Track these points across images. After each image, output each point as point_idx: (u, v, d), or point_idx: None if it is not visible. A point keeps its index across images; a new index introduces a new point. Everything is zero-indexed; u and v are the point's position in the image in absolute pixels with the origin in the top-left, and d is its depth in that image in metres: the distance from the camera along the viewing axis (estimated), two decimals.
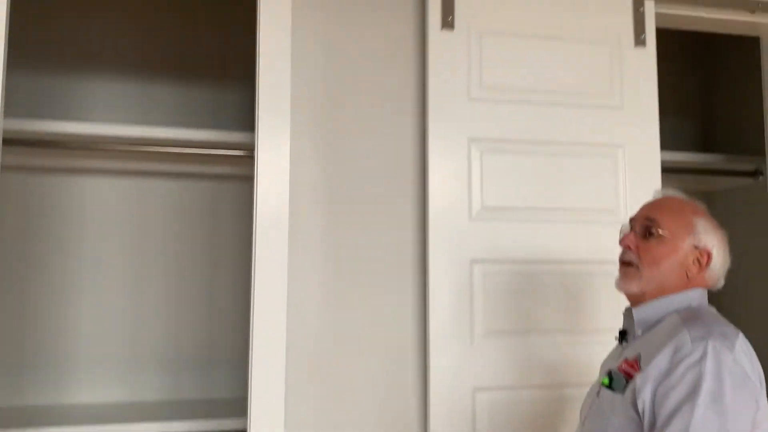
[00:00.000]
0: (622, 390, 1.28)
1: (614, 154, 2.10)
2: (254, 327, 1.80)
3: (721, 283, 1.40)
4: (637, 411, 1.23)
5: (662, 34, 2.37)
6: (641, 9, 2.15)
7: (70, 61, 2.50)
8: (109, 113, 2.50)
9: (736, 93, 2.93)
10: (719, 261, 1.38)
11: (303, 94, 1.97)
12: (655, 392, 1.21)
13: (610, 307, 2.00)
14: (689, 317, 1.30)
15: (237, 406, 2.23)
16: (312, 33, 2.00)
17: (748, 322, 2.57)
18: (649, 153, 2.12)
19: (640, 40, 2.14)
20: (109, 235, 2.47)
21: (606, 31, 2.13)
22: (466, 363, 1.93)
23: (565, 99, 2.08)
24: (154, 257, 2.50)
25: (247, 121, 2.37)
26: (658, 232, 1.35)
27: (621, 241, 1.42)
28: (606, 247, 1.99)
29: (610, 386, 1.32)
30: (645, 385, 1.23)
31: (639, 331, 1.37)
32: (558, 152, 2.06)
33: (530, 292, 2.00)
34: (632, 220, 1.43)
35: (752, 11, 2.29)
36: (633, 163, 2.10)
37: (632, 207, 2.01)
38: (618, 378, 1.30)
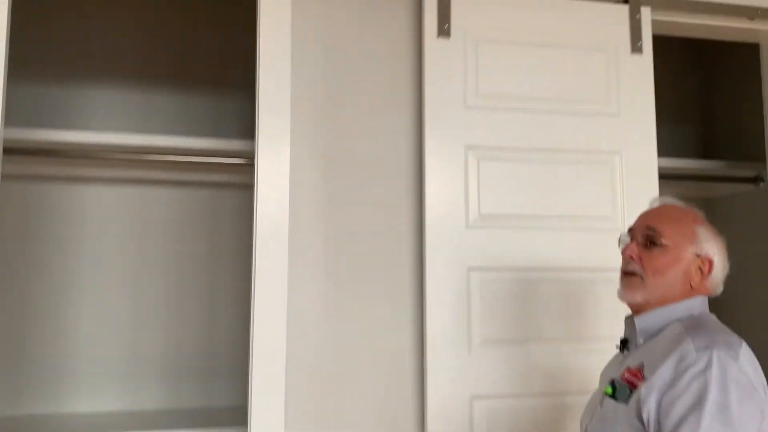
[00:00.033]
0: (626, 400, 1.27)
1: (611, 161, 2.10)
2: (254, 335, 1.80)
3: (720, 289, 1.40)
4: (641, 421, 1.22)
5: (662, 38, 2.37)
6: (637, 16, 2.15)
7: (70, 70, 2.51)
8: (109, 122, 2.51)
9: (737, 98, 2.92)
10: (719, 268, 1.37)
11: (302, 103, 1.97)
12: (660, 402, 1.21)
13: (608, 315, 2.00)
14: (692, 326, 1.29)
15: (237, 414, 2.22)
16: (311, 43, 2.01)
17: (750, 329, 2.57)
18: (647, 160, 2.12)
19: (636, 47, 2.14)
20: (110, 244, 2.47)
21: (602, 38, 2.14)
22: (463, 371, 1.92)
23: (562, 106, 2.08)
24: (154, 266, 2.50)
25: (248, 129, 2.37)
26: (660, 241, 1.35)
27: (623, 252, 1.41)
28: (603, 254, 2.00)
29: (613, 396, 1.31)
30: (650, 395, 1.22)
31: (641, 340, 1.37)
32: (555, 159, 2.06)
33: (527, 299, 1.99)
34: (632, 230, 1.42)
35: (751, 18, 2.29)
36: (630, 170, 2.10)
37: (629, 214, 2.02)
38: (621, 388, 1.29)
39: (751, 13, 2.27)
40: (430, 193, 1.96)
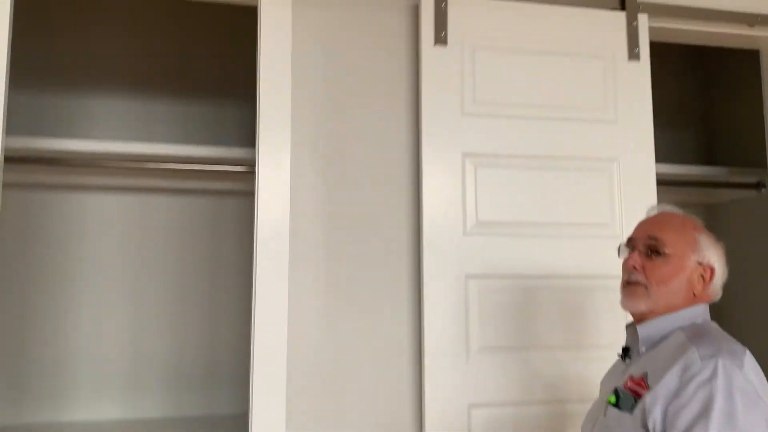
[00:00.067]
0: (630, 409, 1.26)
1: (609, 168, 2.09)
2: (255, 342, 1.80)
3: (719, 295, 1.40)
4: (647, 430, 1.22)
5: (663, 43, 2.37)
6: (634, 23, 2.15)
7: (71, 79, 2.52)
8: (110, 130, 2.51)
9: (739, 103, 2.92)
10: (719, 275, 1.38)
11: (302, 110, 1.98)
12: (666, 411, 1.20)
13: (608, 322, 2.00)
14: (695, 334, 1.29)
15: (239, 422, 2.22)
16: (311, 51, 2.01)
17: (752, 335, 2.56)
18: (644, 166, 2.11)
19: (633, 53, 2.14)
20: (111, 252, 2.47)
21: (599, 45, 2.13)
22: (461, 379, 1.92)
23: (559, 113, 2.07)
24: (155, 273, 2.50)
25: (248, 137, 2.37)
26: (664, 251, 1.35)
27: (626, 262, 1.40)
28: (602, 261, 2.00)
29: (617, 405, 1.30)
30: (655, 405, 1.22)
31: (643, 348, 1.36)
32: (552, 166, 2.05)
33: (526, 307, 1.99)
34: (633, 240, 1.41)
35: (751, 25, 2.28)
36: (628, 176, 2.09)
37: (628, 221, 2.02)
38: (625, 397, 1.29)
39: (751, 20, 2.27)
40: (427, 200, 1.96)
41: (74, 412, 2.37)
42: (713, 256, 1.36)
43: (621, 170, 2.09)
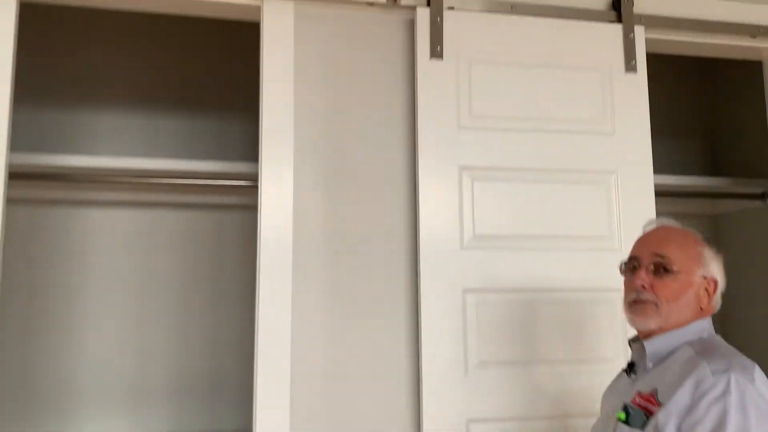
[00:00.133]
0: (641, 426, 1.25)
1: (607, 181, 2.08)
2: (258, 354, 1.80)
3: (719, 306, 1.39)
4: None
5: (665, 53, 2.36)
6: (631, 35, 2.14)
7: (75, 95, 2.54)
8: (114, 145, 2.53)
9: (743, 114, 2.91)
10: (721, 286, 1.38)
11: (305, 125, 1.98)
12: (680, 428, 1.19)
13: (609, 336, 1.98)
14: (704, 349, 1.28)
15: None
16: (312, 66, 2.01)
17: (756, 346, 2.55)
18: (643, 178, 2.10)
19: (630, 66, 2.13)
20: (115, 267, 2.48)
21: (596, 57, 2.12)
22: (460, 394, 1.89)
23: (556, 126, 2.06)
24: (159, 288, 2.50)
25: (251, 152, 2.38)
26: (672, 268, 1.34)
27: (632, 282, 1.38)
28: (600, 274, 1.98)
29: (627, 422, 1.29)
30: (668, 422, 1.20)
31: (650, 364, 1.35)
32: (550, 179, 2.04)
33: (524, 320, 1.97)
34: (636, 258, 1.39)
35: (753, 36, 2.28)
36: (626, 189, 2.07)
37: (626, 233, 2.00)
38: (636, 413, 1.28)
39: (753, 31, 2.27)
40: (424, 213, 1.95)
41: (79, 425, 2.37)
42: (716, 268, 1.36)
43: (619, 182, 2.07)
